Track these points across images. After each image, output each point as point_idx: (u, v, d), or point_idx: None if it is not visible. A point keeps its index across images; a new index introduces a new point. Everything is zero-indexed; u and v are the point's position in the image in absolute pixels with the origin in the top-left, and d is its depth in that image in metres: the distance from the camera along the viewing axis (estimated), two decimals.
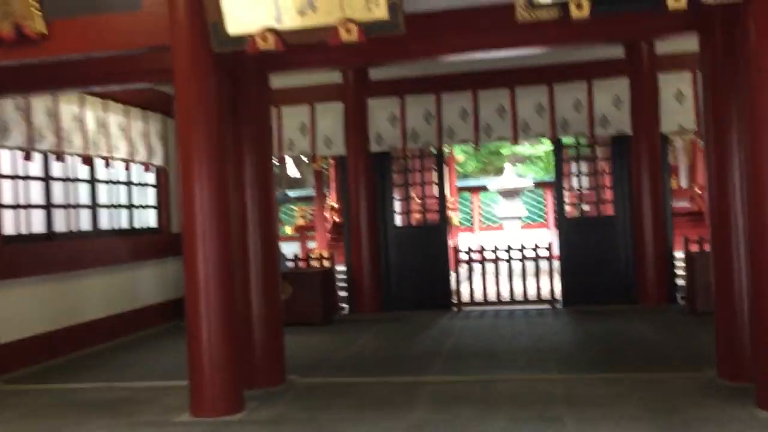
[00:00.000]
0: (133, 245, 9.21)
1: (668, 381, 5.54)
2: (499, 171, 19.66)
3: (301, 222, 17.70)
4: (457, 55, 6.18)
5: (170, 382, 6.24)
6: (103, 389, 6.20)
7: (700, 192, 13.53)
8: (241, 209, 5.89)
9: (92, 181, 8.75)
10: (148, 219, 10.01)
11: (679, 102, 9.33)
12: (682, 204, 13.86)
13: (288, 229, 18.58)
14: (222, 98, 5.37)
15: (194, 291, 5.17)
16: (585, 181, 10.81)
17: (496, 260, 10.09)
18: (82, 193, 8.60)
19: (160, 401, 5.67)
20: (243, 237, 5.89)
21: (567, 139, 10.15)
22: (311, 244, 16.19)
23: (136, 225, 9.65)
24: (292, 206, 19.21)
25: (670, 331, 7.69)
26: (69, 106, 8.00)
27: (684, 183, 15.33)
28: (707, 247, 9.01)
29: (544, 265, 10.07)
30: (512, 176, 16.67)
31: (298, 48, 5.71)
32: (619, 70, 9.42)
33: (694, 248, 9.18)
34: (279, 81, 7.75)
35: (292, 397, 5.59)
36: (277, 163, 12.76)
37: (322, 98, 10.11)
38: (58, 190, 8.14)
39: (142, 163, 9.46)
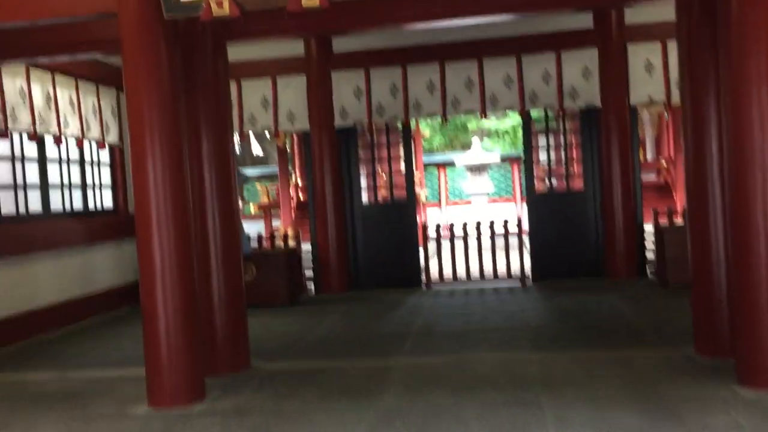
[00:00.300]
0: (87, 227, 8.82)
1: (645, 358, 5.39)
2: (465, 146, 19.50)
3: (265, 200, 17.33)
4: (423, 22, 5.91)
5: (128, 370, 5.94)
6: (57, 380, 5.89)
7: (666, 165, 13.51)
8: (200, 187, 5.61)
9: (42, 160, 8.31)
10: (104, 199, 9.60)
11: (648, 73, 9.17)
12: (648, 177, 13.83)
13: (252, 208, 18.20)
14: (175, 70, 5.03)
15: (150, 274, 4.87)
16: (554, 155, 10.66)
17: (465, 237, 9.89)
18: (31, 173, 8.16)
19: (116, 392, 5.38)
20: (202, 216, 5.62)
21: (535, 113, 9.95)
22: (276, 223, 15.87)
23: (91, 206, 9.24)
24: (256, 183, 18.84)
25: (643, 305, 7.59)
26: (13, 80, 7.55)
27: (650, 156, 15.32)
28: (676, 220, 8.99)
29: (513, 240, 9.90)
30: (479, 151, 16.50)
31: (257, 15, 5.41)
32: (588, 40, 9.23)
33: (664, 221, 9.11)
34: (239, 53, 7.40)
35: (257, 385, 5.33)
36: (240, 140, 12.36)
37: (285, 71, 9.77)
38: (4, 170, 7.71)
39: (96, 141, 9.05)
